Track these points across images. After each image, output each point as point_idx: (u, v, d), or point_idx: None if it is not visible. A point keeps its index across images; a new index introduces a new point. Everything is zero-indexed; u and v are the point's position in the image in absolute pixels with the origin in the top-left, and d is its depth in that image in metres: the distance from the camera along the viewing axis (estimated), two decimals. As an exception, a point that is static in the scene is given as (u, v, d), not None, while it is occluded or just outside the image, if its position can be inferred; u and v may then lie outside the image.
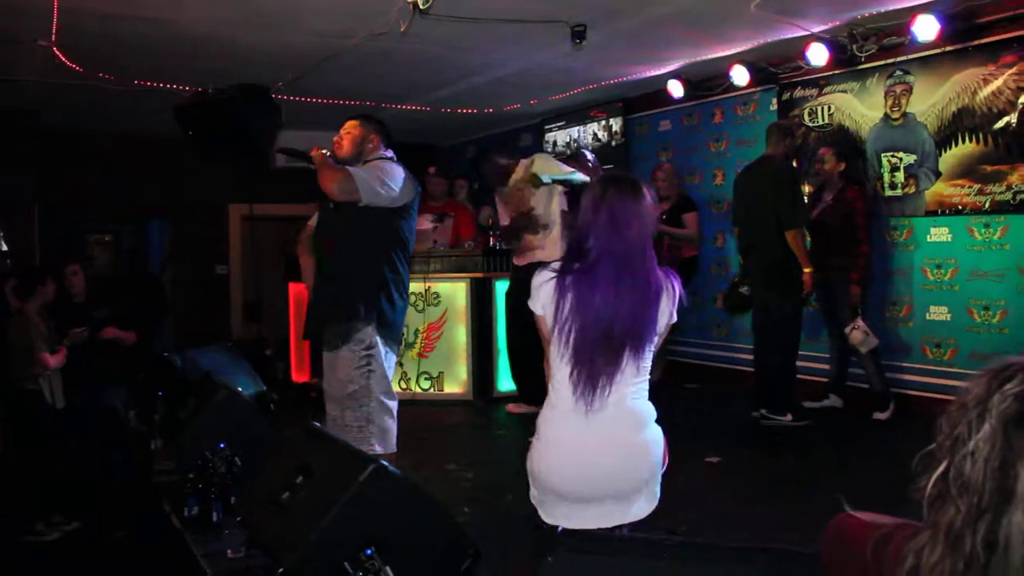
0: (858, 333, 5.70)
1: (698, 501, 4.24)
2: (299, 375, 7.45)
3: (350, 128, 4.20)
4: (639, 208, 2.59)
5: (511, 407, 6.32)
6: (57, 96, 7.37)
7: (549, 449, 2.65)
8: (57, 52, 5.90)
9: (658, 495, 2.72)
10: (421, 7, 4.62)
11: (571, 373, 2.56)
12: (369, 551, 2.47)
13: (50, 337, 5.11)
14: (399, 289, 4.02)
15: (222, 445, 3.61)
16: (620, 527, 2.72)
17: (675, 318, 2.65)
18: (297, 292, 7.52)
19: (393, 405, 4.00)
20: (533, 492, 2.72)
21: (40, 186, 8.40)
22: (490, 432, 6.05)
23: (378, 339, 3.91)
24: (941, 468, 1.12)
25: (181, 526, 3.49)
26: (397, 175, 3.99)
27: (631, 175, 2.80)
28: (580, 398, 2.56)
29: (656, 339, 2.64)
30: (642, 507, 2.68)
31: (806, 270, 5.59)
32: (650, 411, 2.69)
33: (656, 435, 2.70)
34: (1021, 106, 5.32)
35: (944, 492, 1.11)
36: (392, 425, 3.99)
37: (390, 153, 4.19)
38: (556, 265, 2.65)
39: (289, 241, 8.22)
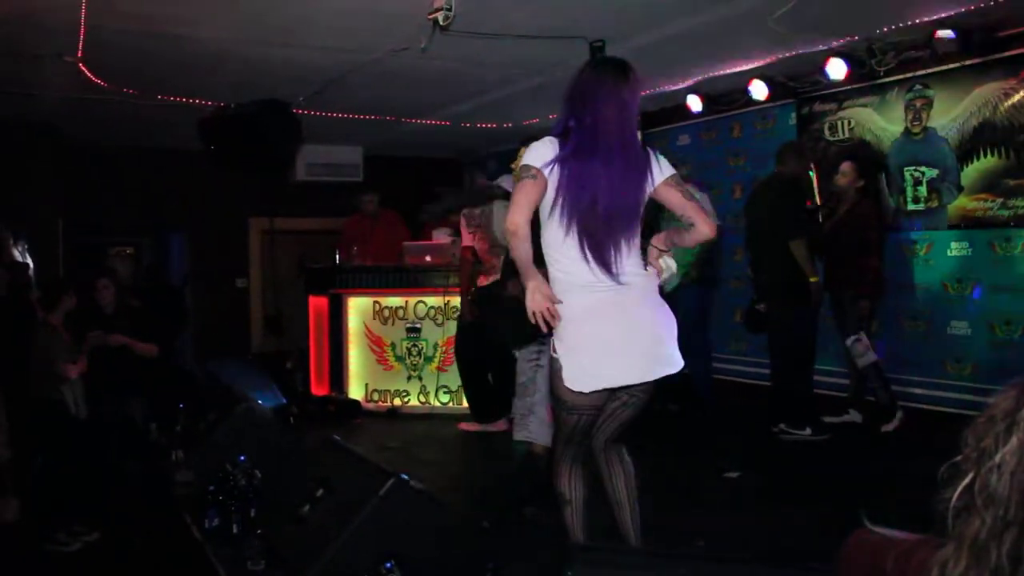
0: (860, 346, 5.67)
1: (716, 515, 4.23)
2: (318, 388, 7.47)
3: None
4: (634, 86, 2.80)
5: (462, 425, 6.28)
6: (81, 110, 7.46)
7: (582, 319, 2.76)
8: (83, 68, 5.98)
9: (681, 362, 2.88)
10: (442, 24, 4.64)
11: (580, 247, 2.72)
12: (389, 564, 2.48)
13: (73, 347, 5.17)
14: None
15: (242, 458, 3.63)
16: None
17: (653, 187, 2.83)
18: (316, 305, 7.57)
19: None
20: (556, 352, 2.82)
21: (64, 199, 8.50)
22: (509, 445, 6.04)
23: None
24: (967, 480, 1.12)
25: (201, 538, 3.51)
26: None
27: (619, 58, 2.92)
28: (599, 271, 2.73)
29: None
30: (676, 361, 2.86)
31: (812, 280, 5.59)
32: (655, 281, 2.93)
33: (663, 304, 2.93)
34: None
35: (970, 504, 1.11)
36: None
37: None
38: (554, 140, 2.79)
39: (307, 255, 8.29)
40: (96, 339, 5.36)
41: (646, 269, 2.90)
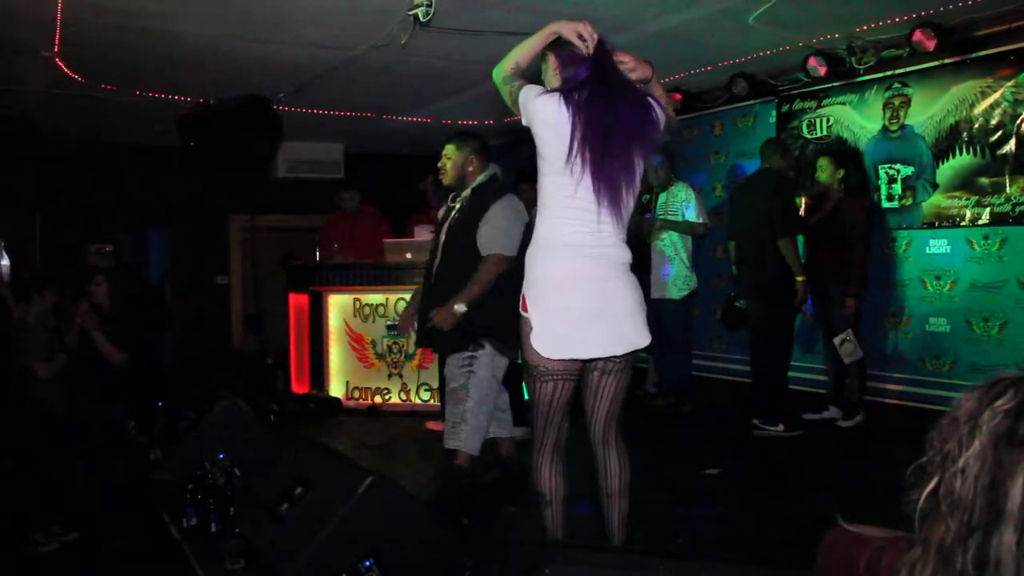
0: (848, 345, 5.71)
1: (697, 512, 4.24)
2: (299, 386, 7.45)
3: (449, 153, 4.35)
4: (618, 53, 2.87)
5: (430, 424, 6.25)
6: (59, 106, 7.39)
7: (567, 279, 2.82)
8: (59, 63, 5.92)
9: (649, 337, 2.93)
10: (422, 20, 4.64)
11: (593, 185, 2.74)
12: (367, 563, 2.47)
13: (50, 345, 5.12)
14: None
15: (221, 456, 3.62)
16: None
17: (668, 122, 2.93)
18: (297, 302, 7.54)
19: (487, 410, 4.21)
20: (540, 331, 2.83)
21: (41, 195, 8.42)
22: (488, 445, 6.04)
23: (486, 343, 4.13)
24: (932, 484, 1.12)
25: (179, 536, 3.49)
26: (515, 225, 4.23)
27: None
28: (611, 213, 2.76)
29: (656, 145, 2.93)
30: (646, 334, 2.90)
31: (799, 279, 5.63)
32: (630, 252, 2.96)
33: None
34: (1019, 118, 5.34)
35: (935, 508, 1.11)
36: (483, 427, 4.22)
37: (494, 168, 4.32)
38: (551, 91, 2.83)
39: (291, 253, 8.26)
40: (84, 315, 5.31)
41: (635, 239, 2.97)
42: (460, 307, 4.07)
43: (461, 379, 4.18)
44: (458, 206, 4.33)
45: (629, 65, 2.89)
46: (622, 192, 2.76)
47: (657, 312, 6.30)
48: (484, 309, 4.11)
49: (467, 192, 4.30)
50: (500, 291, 4.11)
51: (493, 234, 4.15)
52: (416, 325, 4.57)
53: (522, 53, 2.89)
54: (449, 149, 4.38)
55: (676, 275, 6.42)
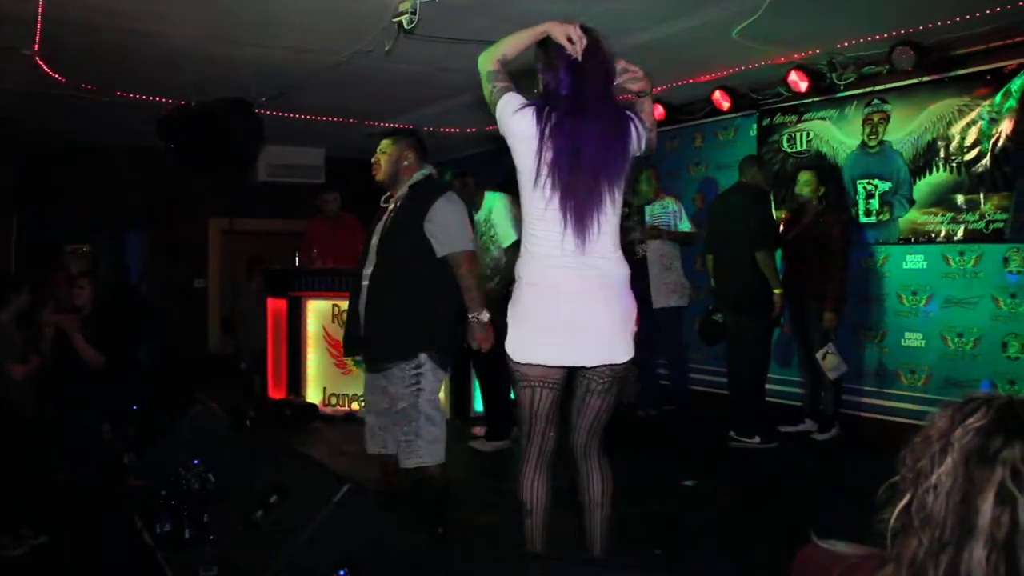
0: (832, 358, 5.74)
1: (674, 524, 4.25)
2: (276, 391, 7.40)
3: (384, 148, 4.18)
4: (604, 54, 2.86)
5: None
6: (38, 105, 7.32)
7: (540, 289, 2.81)
8: (39, 62, 5.87)
9: (633, 351, 2.89)
10: (406, 27, 4.64)
11: (560, 208, 2.73)
12: (342, 572, 2.46)
13: (23, 347, 5.06)
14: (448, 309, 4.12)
15: (196, 461, 3.59)
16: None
17: (643, 147, 2.92)
18: (275, 307, 7.49)
19: (439, 418, 4.10)
20: (512, 336, 2.86)
21: (19, 195, 8.34)
22: (466, 451, 6.02)
23: (426, 358, 3.98)
24: (904, 500, 1.14)
25: (152, 543, 3.46)
26: (465, 220, 4.13)
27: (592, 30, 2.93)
28: (575, 235, 2.73)
29: (627, 169, 2.88)
30: (623, 351, 2.85)
31: (776, 291, 5.67)
32: (627, 268, 2.90)
33: (630, 293, 2.91)
34: (994, 137, 5.41)
35: (907, 524, 1.13)
36: (441, 435, 4.09)
37: (429, 168, 4.18)
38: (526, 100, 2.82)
39: (261, 257, 8.21)
40: (52, 322, 5.24)
41: (626, 253, 2.92)
42: (484, 315, 3.92)
43: (410, 398, 3.99)
44: (392, 206, 4.14)
45: (637, 74, 2.90)
46: (588, 214, 2.73)
47: (660, 321, 6.46)
48: (423, 317, 3.94)
49: (403, 191, 4.09)
50: (438, 298, 4.00)
51: (448, 233, 3.97)
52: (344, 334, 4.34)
53: (510, 46, 2.88)
54: (384, 144, 4.17)
55: (676, 284, 6.61)
